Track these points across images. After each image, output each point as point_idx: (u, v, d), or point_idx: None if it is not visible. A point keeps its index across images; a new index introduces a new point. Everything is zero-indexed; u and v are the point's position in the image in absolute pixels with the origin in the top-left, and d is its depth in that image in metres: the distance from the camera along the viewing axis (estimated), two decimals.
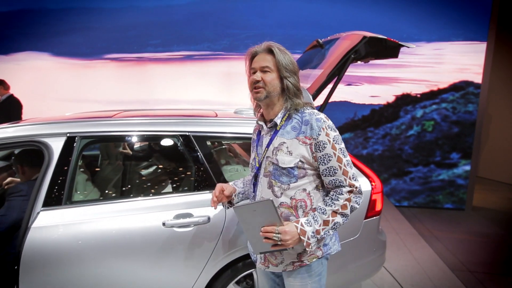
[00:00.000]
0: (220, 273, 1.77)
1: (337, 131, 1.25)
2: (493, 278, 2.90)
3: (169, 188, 1.93)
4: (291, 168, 1.23)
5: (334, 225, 1.21)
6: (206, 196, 1.77)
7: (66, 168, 1.70)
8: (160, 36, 5.08)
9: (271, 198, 1.18)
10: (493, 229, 4.05)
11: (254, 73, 1.28)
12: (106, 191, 2.14)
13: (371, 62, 2.52)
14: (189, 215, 1.71)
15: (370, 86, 4.66)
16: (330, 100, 2.12)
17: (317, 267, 1.31)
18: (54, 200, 1.66)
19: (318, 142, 1.21)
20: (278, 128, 1.28)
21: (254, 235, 1.20)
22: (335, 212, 1.21)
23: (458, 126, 4.51)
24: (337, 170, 1.22)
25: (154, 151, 2.30)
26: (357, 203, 1.23)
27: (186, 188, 1.88)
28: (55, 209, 1.65)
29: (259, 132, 1.40)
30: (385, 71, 4.62)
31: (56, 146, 1.72)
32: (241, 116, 2.18)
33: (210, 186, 1.79)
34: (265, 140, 1.33)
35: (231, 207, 1.49)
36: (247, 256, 1.78)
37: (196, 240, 1.69)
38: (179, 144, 1.87)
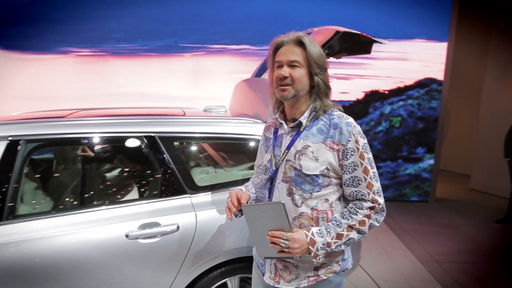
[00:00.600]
0: (192, 284, 1.64)
1: (365, 138, 1.13)
2: (457, 266, 3.01)
3: (133, 195, 1.76)
4: (316, 175, 1.10)
5: (348, 240, 1.10)
6: (174, 202, 1.62)
7: (8, 176, 1.47)
8: (122, 30, 4.76)
9: (283, 201, 1.05)
10: (455, 219, 4.26)
11: (280, 67, 1.13)
12: (61, 201, 1.92)
13: (341, 59, 2.49)
14: (156, 224, 1.55)
15: (340, 83, 4.69)
16: None
17: (334, 282, 1.20)
18: None
19: (346, 149, 1.09)
20: (301, 129, 1.15)
21: (260, 238, 1.10)
22: (351, 227, 1.10)
23: (423, 121, 4.69)
24: (362, 181, 1.10)
25: (116, 154, 2.10)
26: (377, 221, 1.11)
27: (152, 194, 1.72)
28: None
29: (276, 130, 1.25)
30: (354, 67, 4.67)
31: None
32: (211, 115, 2.05)
33: (178, 191, 1.65)
34: (285, 141, 1.18)
35: (241, 215, 1.31)
36: (221, 265, 1.66)
37: (164, 251, 1.55)
38: (143, 146, 1.70)
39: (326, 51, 2.04)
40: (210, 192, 1.69)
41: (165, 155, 1.68)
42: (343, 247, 1.10)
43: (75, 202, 1.92)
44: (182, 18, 4.79)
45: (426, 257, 3.19)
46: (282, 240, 1.06)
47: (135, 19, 4.78)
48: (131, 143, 1.74)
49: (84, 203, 1.82)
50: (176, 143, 1.75)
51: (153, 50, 4.83)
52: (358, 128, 1.12)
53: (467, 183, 5.70)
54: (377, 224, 1.11)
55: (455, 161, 6.42)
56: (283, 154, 1.17)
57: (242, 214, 1.30)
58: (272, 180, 1.20)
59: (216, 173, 1.99)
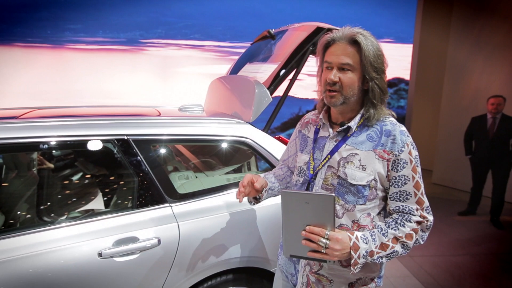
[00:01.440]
0: None
1: (416, 150, 1.03)
2: (428, 260, 3.13)
3: (105, 207, 1.55)
4: (362, 186, 0.99)
5: (391, 253, 0.97)
6: (153, 213, 1.45)
7: None
8: (80, 21, 4.36)
9: (334, 194, 0.92)
10: None
11: (329, 68, 1.00)
12: (16, 216, 1.65)
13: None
14: (133, 240, 1.37)
15: (312, 80, 4.70)
16: (273, 95, 1.95)
17: None
18: None
19: (398, 159, 0.98)
20: (349, 135, 1.03)
21: (293, 232, 0.96)
22: (396, 239, 0.98)
23: None
24: (411, 196, 0.99)
25: (84, 161, 1.86)
26: (422, 238, 1.01)
27: (128, 205, 1.53)
28: None
29: (317, 130, 1.13)
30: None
31: None
32: (188, 115, 1.89)
33: (157, 200, 1.48)
34: (329, 145, 1.07)
35: (256, 203, 1.23)
36: (207, 279, 1.52)
37: (144, 269, 1.38)
38: (115, 151, 1.50)
39: (311, 48, 1.97)
40: (192, 200, 1.54)
41: (140, 160, 1.50)
42: (384, 260, 0.98)
43: (34, 218, 1.66)
44: (147, 10, 4.50)
45: None
46: (321, 239, 0.92)
47: (93, 9, 4.40)
48: (101, 147, 1.53)
49: (45, 219, 1.58)
50: (152, 147, 1.57)
51: (115, 44, 4.48)
52: (411, 138, 1.02)
53: (429, 178, 6.02)
54: (422, 242, 1.01)
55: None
56: (325, 159, 1.06)
57: (256, 202, 1.23)
58: (308, 184, 1.09)
59: (197, 177, 1.84)
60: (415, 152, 1.01)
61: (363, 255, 0.96)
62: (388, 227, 1.00)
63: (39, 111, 1.83)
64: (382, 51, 1.00)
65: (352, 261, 0.95)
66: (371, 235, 0.98)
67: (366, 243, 0.97)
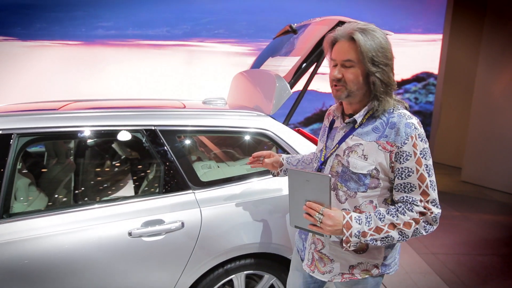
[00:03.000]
0: (197, 282, 1.59)
1: (427, 143, 1.03)
2: (453, 258, 3.06)
3: (134, 191, 1.68)
4: (363, 174, 1.04)
5: (385, 238, 1.01)
6: (178, 198, 1.56)
7: (0, 172, 1.38)
8: (111, 18, 4.58)
9: (330, 175, 1.00)
10: (448, 211, 4.32)
11: (335, 66, 1.06)
12: (57, 198, 1.82)
13: None
14: (160, 222, 1.49)
15: None
16: (294, 90, 1.99)
17: (370, 284, 1.15)
18: None
19: (401, 151, 1.00)
20: (356, 126, 1.08)
21: (296, 205, 1.07)
22: (393, 225, 1.01)
23: (420, 115, 4.72)
24: (415, 188, 1.01)
25: (115, 149, 2.01)
26: (425, 230, 1.02)
27: (155, 190, 1.65)
28: None
29: (333, 121, 1.21)
30: None
31: None
32: (211, 107, 1.97)
33: (181, 187, 1.58)
34: (338, 136, 1.14)
35: (277, 175, 1.45)
36: (226, 262, 1.61)
37: (169, 249, 1.49)
38: (144, 140, 1.62)
39: None
40: (214, 188, 1.63)
41: (167, 149, 1.61)
42: (378, 243, 1.02)
43: (72, 200, 1.82)
44: (173, 7, 4.64)
45: (422, 249, 3.22)
46: (317, 214, 1.01)
47: (124, 6, 4.60)
48: (131, 137, 1.66)
49: (82, 201, 1.74)
50: (177, 137, 1.68)
51: (144, 38, 4.67)
52: (420, 131, 1.02)
53: (458, 175, 5.79)
54: (424, 233, 1.02)
55: (447, 154, 6.51)
56: (334, 148, 1.13)
57: (277, 174, 1.45)
58: (319, 170, 1.17)
59: (219, 167, 1.93)
60: (422, 145, 1.01)
61: (355, 234, 1.00)
62: (388, 213, 1.02)
63: (76, 104, 1.99)
64: (386, 44, 1.01)
65: (344, 238, 1.01)
66: (366, 218, 1.03)
67: (359, 223, 1.01)
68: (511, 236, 3.57)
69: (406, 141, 0.99)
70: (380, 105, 1.03)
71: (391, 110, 1.05)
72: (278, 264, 1.72)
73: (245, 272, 1.67)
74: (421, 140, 1.01)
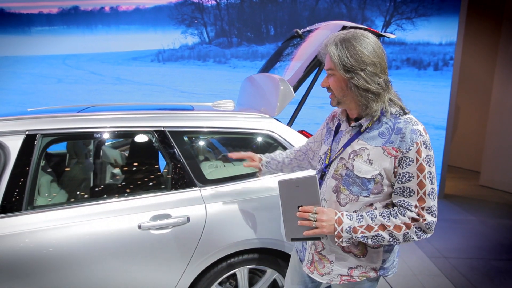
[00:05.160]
0: (202, 274, 1.68)
1: (432, 150, 1.04)
2: (466, 262, 3.01)
3: (144, 188, 1.80)
4: (367, 179, 1.05)
5: (375, 236, 1.03)
6: (184, 194, 1.66)
7: (26, 169, 1.53)
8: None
9: (315, 175, 1.04)
10: (464, 215, 4.23)
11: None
12: (74, 193, 1.98)
13: None
14: (167, 216, 1.60)
15: None
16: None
17: (366, 286, 1.19)
18: (13, 205, 1.49)
19: (405, 157, 1.01)
20: (362, 130, 1.10)
21: (290, 216, 1.09)
22: (384, 226, 1.03)
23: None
24: (413, 193, 1.02)
25: (127, 148, 2.15)
26: (417, 235, 1.03)
27: (163, 187, 1.76)
28: (14, 215, 1.48)
29: (339, 125, 1.23)
30: None
31: (13, 145, 1.54)
32: (219, 110, 2.08)
33: (188, 184, 1.69)
34: (343, 139, 1.15)
35: (260, 174, 1.51)
36: (230, 256, 1.70)
37: (175, 242, 1.59)
38: (154, 140, 1.74)
39: None
40: (219, 185, 1.73)
41: (175, 149, 1.72)
42: (369, 241, 1.04)
43: (88, 195, 1.97)
44: None
45: (434, 252, 3.18)
46: (311, 214, 1.04)
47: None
48: (142, 137, 1.79)
49: (97, 196, 1.88)
50: (185, 138, 1.79)
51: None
52: (426, 137, 1.02)
53: (476, 179, 5.63)
54: (416, 239, 1.03)
55: (464, 157, 6.35)
56: (339, 151, 1.14)
57: (259, 172, 1.49)
58: (323, 175, 1.19)
59: (225, 167, 2.03)
60: (426, 152, 1.01)
61: (346, 229, 1.04)
62: (380, 215, 1.05)
63: (94, 107, 2.15)
64: (364, 49, 1.00)
65: (336, 233, 1.05)
66: (357, 215, 1.06)
67: (350, 219, 1.05)
68: None
69: (411, 147, 1.00)
70: (370, 111, 1.05)
71: (398, 115, 1.06)
72: (281, 260, 1.78)
73: (248, 266, 1.75)
74: (426, 147, 1.02)
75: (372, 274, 1.15)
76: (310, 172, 1.81)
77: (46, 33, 4.72)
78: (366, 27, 1.99)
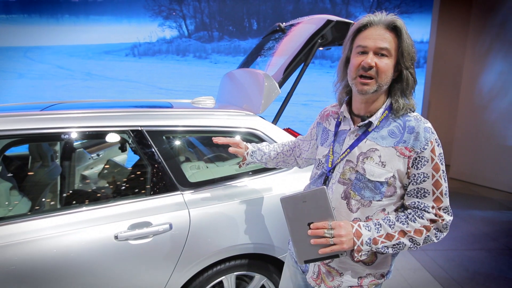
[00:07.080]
0: (186, 285, 1.57)
1: (441, 147, 0.99)
2: (442, 254, 3.10)
3: (121, 193, 1.65)
4: (380, 182, 0.97)
5: (397, 244, 0.96)
6: (165, 200, 1.53)
7: None
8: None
9: (324, 186, 0.93)
10: None
11: (363, 53, 0.94)
12: (40, 201, 1.77)
13: (330, 49, 2.45)
14: (147, 224, 1.46)
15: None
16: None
17: None
18: None
19: (420, 157, 0.94)
20: (370, 130, 1.00)
21: (300, 236, 0.96)
22: (404, 232, 0.96)
23: None
24: (428, 194, 0.96)
25: (100, 150, 1.97)
26: (436, 237, 0.97)
27: (142, 192, 1.62)
28: None
29: (338, 123, 1.11)
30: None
31: None
32: (200, 108, 1.95)
33: (169, 188, 1.56)
34: (349, 140, 1.04)
35: (242, 165, 1.43)
36: (216, 263, 1.60)
37: (157, 251, 1.46)
38: (130, 141, 1.59)
39: (319, 40, 1.99)
40: (203, 188, 1.61)
41: (154, 150, 1.58)
42: (390, 250, 0.97)
43: (56, 203, 1.78)
44: None
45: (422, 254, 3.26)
46: (326, 230, 0.93)
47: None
48: (117, 138, 1.63)
49: (66, 204, 1.70)
50: (164, 138, 1.65)
51: None
52: (436, 135, 0.98)
53: (446, 172, 5.89)
54: (436, 241, 0.98)
55: None
56: (344, 153, 1.04)
57: (242, 164, 1.43)
58: (326, 179, 1.08)
59: (208, 168, 1.91)
60: (439, 150, 0.97)
61: (366, 242, 0.96)
62: (397, 220, 0.98)
63: (61, 105, 1.94)
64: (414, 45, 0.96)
65: (355, 247, 0.95)
66: (375, 225, 0.98)
67: (368, 230, 0.97)
68: (498, 231, 3.64)
69: (426, 147, 0.95)
70: (405, 104, 0.97)
71: (406, 112, 1.00)
72: (269, 265, 1.71)
73: (236, 273, 1.66)
74: (438, 145, 0.97)
75: (381, 280, 1.09)
76: (299, 173, 1.74)
77: (3, 22, 4.29)
78: (353, 22, 1.94)
